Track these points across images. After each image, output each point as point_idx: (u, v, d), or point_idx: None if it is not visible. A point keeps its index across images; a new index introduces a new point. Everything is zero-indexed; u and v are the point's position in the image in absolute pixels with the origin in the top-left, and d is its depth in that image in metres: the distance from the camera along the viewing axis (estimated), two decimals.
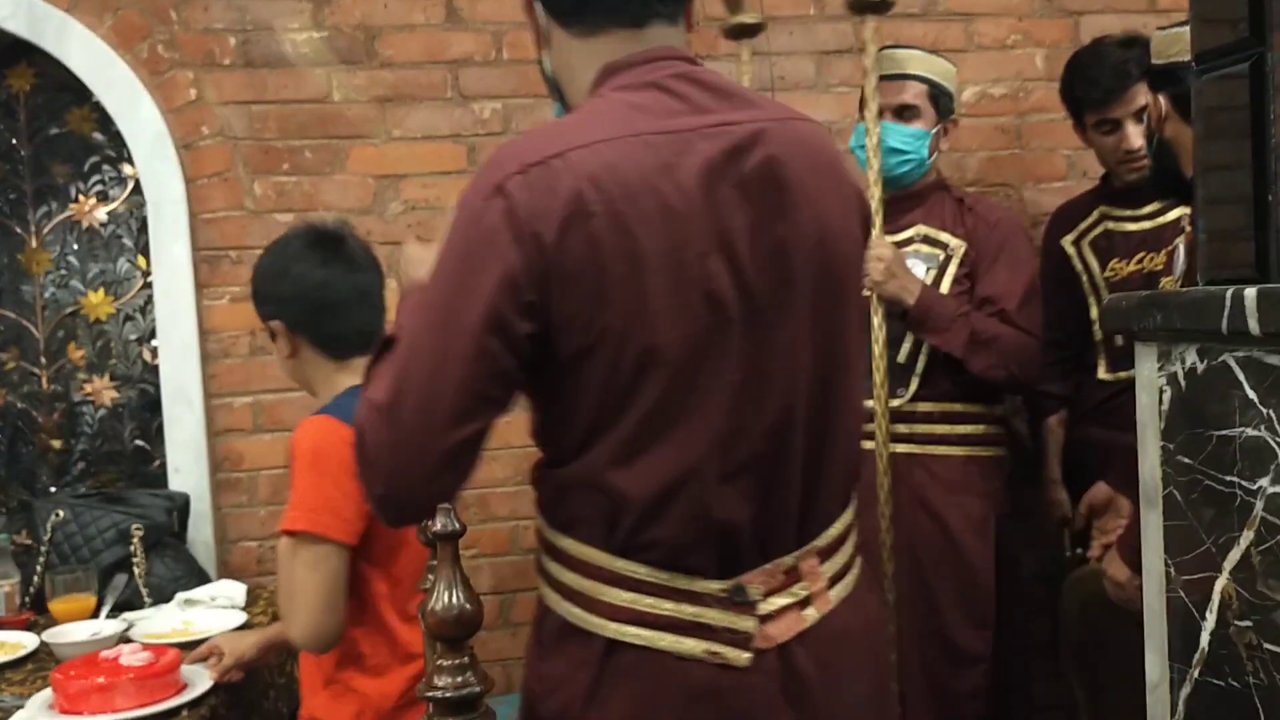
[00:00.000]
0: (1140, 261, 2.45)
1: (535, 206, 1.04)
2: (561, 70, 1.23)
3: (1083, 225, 2.55)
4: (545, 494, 1.18)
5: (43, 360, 2.81)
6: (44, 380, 2.81)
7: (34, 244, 2.79)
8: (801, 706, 1.14)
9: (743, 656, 1.12)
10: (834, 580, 1.20)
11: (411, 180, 2.78)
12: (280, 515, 2.78)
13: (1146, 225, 2.45)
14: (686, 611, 1.12)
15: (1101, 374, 2.48)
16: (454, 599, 1.00)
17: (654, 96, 1.13)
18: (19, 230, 2.79)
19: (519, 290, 1.04)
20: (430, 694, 1.00)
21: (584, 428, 1.10)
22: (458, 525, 1.02)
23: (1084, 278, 2.53)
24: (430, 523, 1.03)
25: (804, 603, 1.16)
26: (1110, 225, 2.51)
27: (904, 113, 2.38)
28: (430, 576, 1.63)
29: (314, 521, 1.66)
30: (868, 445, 2.18)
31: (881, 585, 2.22)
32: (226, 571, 2.65)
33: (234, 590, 2.43)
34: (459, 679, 1.00)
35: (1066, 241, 2.56)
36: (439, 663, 1.01)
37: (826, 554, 1.19)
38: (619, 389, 1.08)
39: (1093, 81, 2.41)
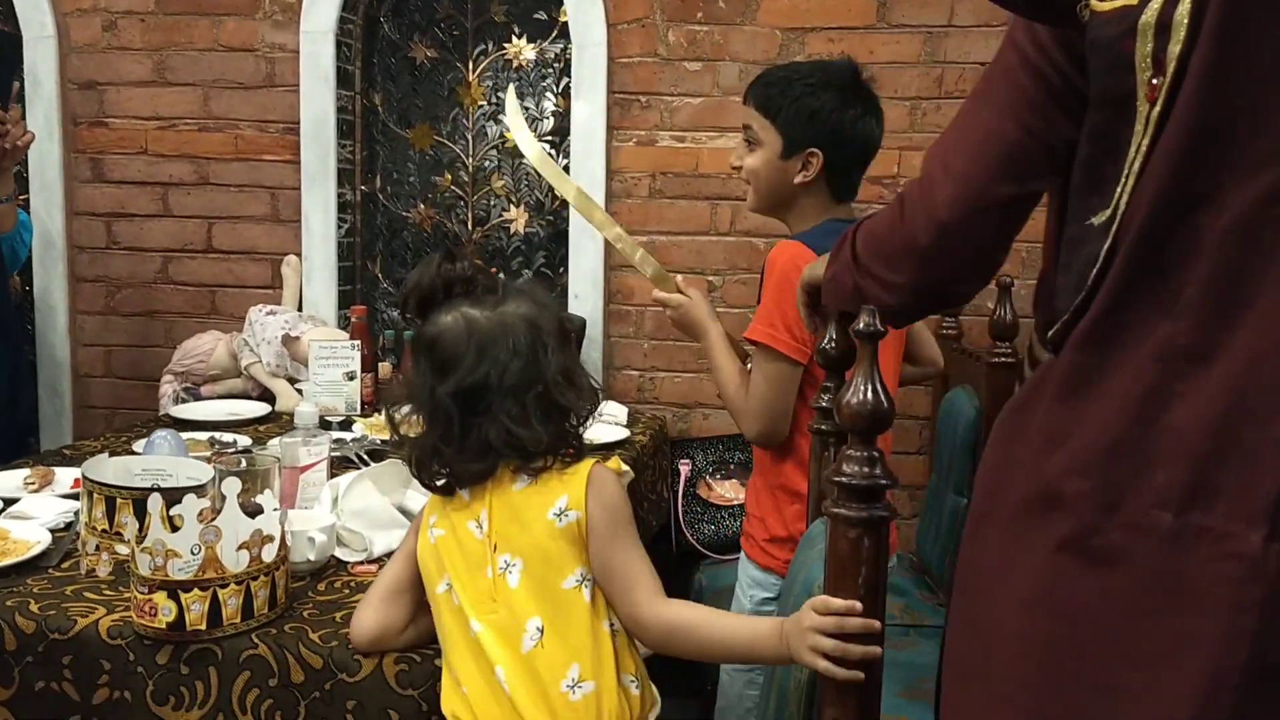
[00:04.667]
0: None
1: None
2: None
3: None
4: None
5: (469, 186, 3.11)
6: (470, 205, 3.11)
7: (470, 78, 3.07)
8: None
9: None
10: None
11: (818, 34, 2.78)
12: (661, 350, 2.96)
13: None
14: None
15: None
16: (868, 394, 1.04)
17: None
18: (459, 65, 3.07)
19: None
20: (836, 479, 1.05)
21: None
22: (879, 326, 1.05)
23: None
24: (855, 322, 1.06)
25: None
26: None
27: None
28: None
29: (771, 337, 1.76)
30: None
31: None
32: (610, 394, 2.86)
33: (618, 410, 2.63)
34: (865, 469, 1.04)
35: None
36: (849, 452, 1.05)
37: None
38: None
39: None
